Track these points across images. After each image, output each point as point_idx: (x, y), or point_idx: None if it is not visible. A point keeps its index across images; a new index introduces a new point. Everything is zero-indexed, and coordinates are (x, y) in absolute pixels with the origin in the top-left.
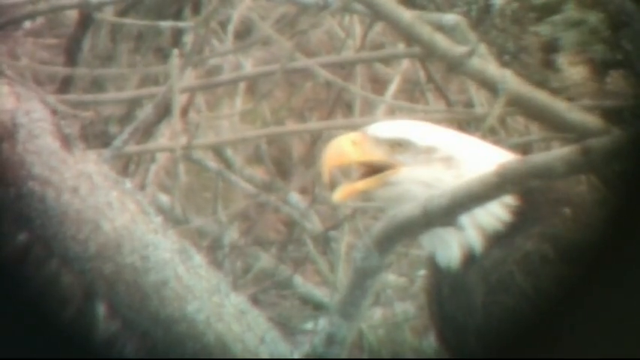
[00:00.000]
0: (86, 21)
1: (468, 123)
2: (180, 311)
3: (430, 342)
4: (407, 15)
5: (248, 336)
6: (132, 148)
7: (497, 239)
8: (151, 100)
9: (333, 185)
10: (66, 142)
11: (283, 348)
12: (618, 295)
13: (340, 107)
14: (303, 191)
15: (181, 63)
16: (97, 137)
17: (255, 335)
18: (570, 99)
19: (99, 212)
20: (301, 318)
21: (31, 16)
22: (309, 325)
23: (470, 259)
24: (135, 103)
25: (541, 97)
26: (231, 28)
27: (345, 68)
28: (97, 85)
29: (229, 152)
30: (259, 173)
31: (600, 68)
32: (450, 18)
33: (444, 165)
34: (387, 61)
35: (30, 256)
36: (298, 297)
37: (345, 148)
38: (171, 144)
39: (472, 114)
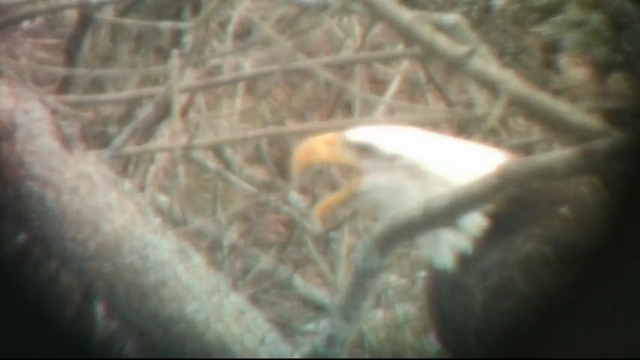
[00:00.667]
0: (86, 21)
1: (468, 123)
2: (179, 311)
3: (431, 343)
4: (407, 15)
5: (247, 336)
6: (131, 148)
7: (493, 240)
8: (151, 100)
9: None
10: (65, 142)
11: (283, 349)
12: (619, 297)
13: (340, 107)
14: (303, 191)
15: (181, 63)
16: (96, 137)
17: (255, 336)
18: (571, 100)
19: (98, 213)
20: (302, 319)
21: (31, 16)
22: (310, 326)
23: (464, 260)
24: (134, 104)
25: (542, 98)
26: (230, 28)
27: (344, 68)
28: (97, 85)
29: (229, 152)
30: (259, 173)
31: (601, 69)
32: (450, 18)
33: (407, 174)
34: (386, 61)
35: (29, 257)
36: (298, 298)
37: (316, 148)
38: (171, 144)
39: (472, 114)
